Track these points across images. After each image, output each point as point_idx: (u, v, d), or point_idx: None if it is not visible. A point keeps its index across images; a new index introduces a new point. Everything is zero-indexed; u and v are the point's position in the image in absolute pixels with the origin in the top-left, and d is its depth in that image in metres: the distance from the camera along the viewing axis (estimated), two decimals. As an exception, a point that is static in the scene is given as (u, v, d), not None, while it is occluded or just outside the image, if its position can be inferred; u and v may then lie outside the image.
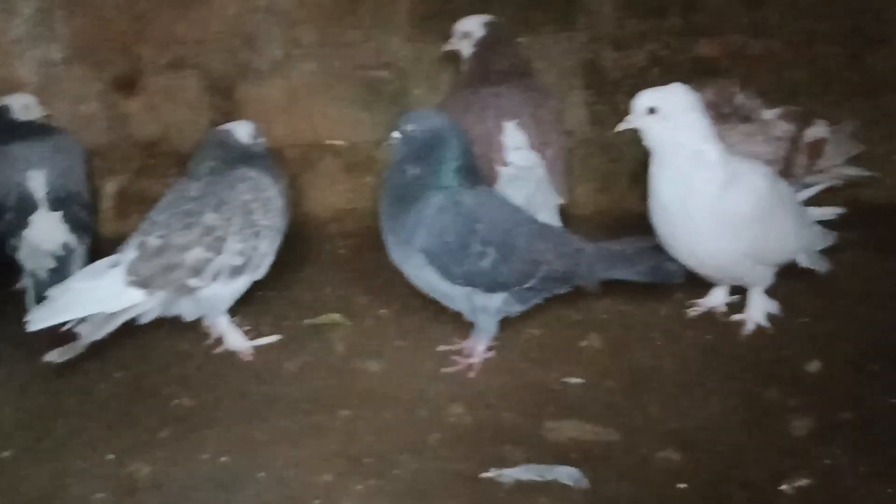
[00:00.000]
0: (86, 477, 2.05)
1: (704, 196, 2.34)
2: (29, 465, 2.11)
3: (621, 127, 2.40)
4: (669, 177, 2.36)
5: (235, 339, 2.55)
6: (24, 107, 2.94)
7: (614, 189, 3.31)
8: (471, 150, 2.43)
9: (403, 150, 2.35)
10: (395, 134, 2.36)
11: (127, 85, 3.36)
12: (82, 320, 2.33)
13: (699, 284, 2.60)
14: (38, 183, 2.80)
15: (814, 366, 2.33)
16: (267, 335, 2.61)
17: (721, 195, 2.34)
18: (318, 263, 3.06)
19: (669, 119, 2.33)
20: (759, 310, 2.53)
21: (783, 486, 1.89)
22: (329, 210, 3.35)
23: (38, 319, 2.28)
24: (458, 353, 2.44)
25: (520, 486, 1.94)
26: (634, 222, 2.78)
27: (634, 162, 3.22)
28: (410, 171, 2.34)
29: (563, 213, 2.86)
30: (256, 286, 2.59)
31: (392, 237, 2.39)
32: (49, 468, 2.09)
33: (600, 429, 2.12)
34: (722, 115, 2.71)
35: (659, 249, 2.46)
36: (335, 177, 3.43)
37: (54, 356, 2.33)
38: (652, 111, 2.33)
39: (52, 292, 2.35)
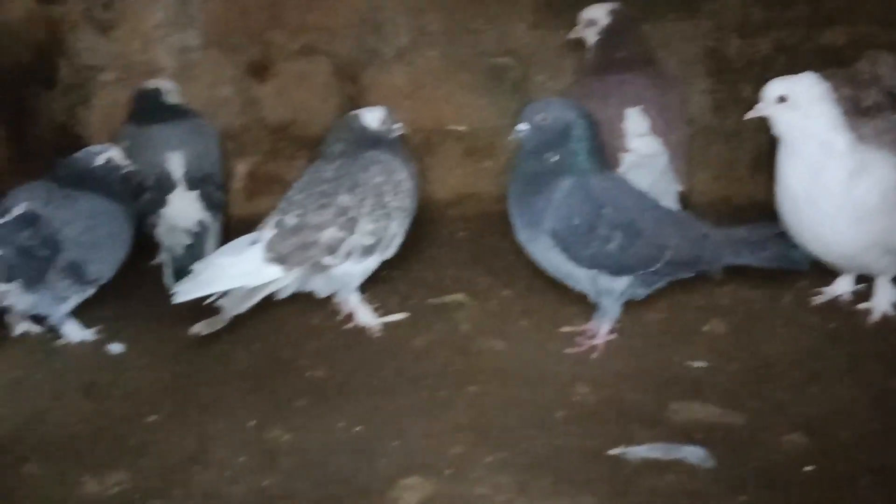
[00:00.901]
0: (228, 442, 2.11)
1: (833, 185, 2.32)
2: (175, 429, 2.18)
3: (750, 115, 2.38)
4: (798, 165, 2.34)
5: (365, 316, 2.60)
6: (172, 92, 3.03)
7: (733, 177, 3.29)
8: (599, 136, 2.44)
9: (534, 138, 2.36)
10: (523, 125, 2.35)
11: (259, 70, 3.45)
12: (224, 294, 2.39)
13: (824, 272, 2.57)
14: (176, 164, 2.90)
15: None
16: (394, 313, 2.65)
17: (849, 185, 2.31)
18: (439, 245, 3.10)
19: (800, 108, 2.31)
20: (886, 298, 2.49)
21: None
22: (449, 193, 3.39)
23: (184, 292, 2.34)
24: (582, 334, 2.45)
25: (646, 463, 1.94)
26: (753, 210, 2.78)
27: (755, 150, 3.20)
28: (544, 157, 2.35)
29: (682, 200, 2.86)
30: (381, 266, 2.62)
31: (520, 220, 2.41)
32: (193, 432, 2.15)
33: (725, 411, 2.12)
34: (859, 109, 2.66)
35: (784, 237, 2.44)
36: (456, 161, 3.46)
37: (199, 328, 2.40)
38: (782, 100, 2.32)
39: (197, 267, 2.43)
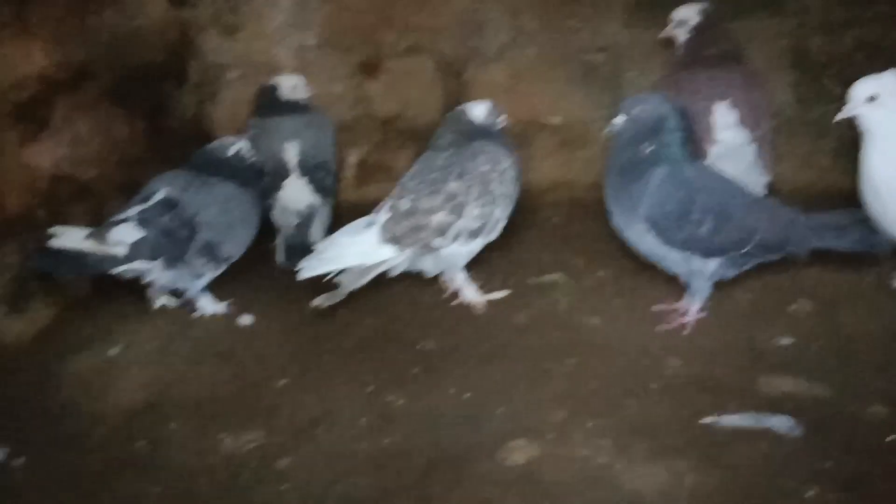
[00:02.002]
0: (350, 405, 2.18)
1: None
2: (301, 393, 2.25)
3: (841, 116, 2.36)
4: (883, 159, 2.33)
5: (470, 293, 2.64)
6: (292, 87, 3.07)
7: (816, 166, 3.27)
8: (691, 127, 2.46)
9: (630, 130, 2.38)
10: (620, 117, 2.38)
11: (370, 68, 3.50)
12: (342, 271, 2.45)
13: (904, 257, 2.55)
14: (291, 153, 2.96)
15: None
16: (497, 291, 2.68)
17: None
18: (536, 229, 3.11)
19: (888, 106, 2.30)
20: (967, 284, 2.48)
21: None
22: (545, 181, 3.40)
23: (308, 269, 2.41)
24: (673, 312, 2.47)
25: (736, 432, 1.97)
26: (835, 197, 2.76)
27: (837, 141, 3.18)
28: (640, 147, 2.37)
29: (770, 190, 2.86)
30: (485, 247, 2.65)
31: (617, 206, 2.44)
32: (317, 396, 2.23)
33: (811, 384, 2.13)
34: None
35: (866, 222, 2.43)
36: (551, 151, 3.49)
37: (320, 301, 2.48)
38: (871, 99, 2.31)
39: (319, 246, 2.50)
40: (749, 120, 2.80)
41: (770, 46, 3.24)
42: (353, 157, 3.55)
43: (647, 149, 2.37)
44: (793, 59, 3.28)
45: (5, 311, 2.45)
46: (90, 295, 2.70)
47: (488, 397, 2.17)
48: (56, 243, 2.40)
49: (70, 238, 2.41)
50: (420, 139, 3.40)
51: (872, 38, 3.17)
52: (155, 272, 2.55)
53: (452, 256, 2.58)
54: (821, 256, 2.51)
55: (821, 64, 3.25)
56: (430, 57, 3.48)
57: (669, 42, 3.03)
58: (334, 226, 2.86)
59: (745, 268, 2.46)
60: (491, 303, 2.63)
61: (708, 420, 2.01)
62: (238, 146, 2.74)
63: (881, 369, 2.18)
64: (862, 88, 2.34)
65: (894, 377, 2.15)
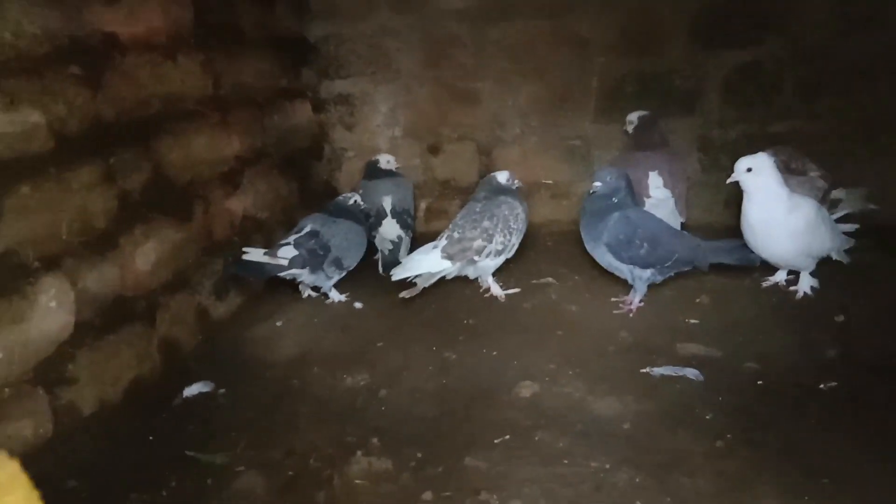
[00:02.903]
0: (422, 359, 2.20)
1: (778, 217, 2.32)
2: (391, 350, 2.27)
3: (730, 180, 2.36)
4: (756, 207, 2.35)
5: (496, 289, 2.65)
6: (387, 161, 3.10)
7: (714, 212, 3.24)
8: (632, 188, 2.47)
9: (602, 190, 2.40)
10: (598, 183, 2.40)
11: (434, 149, 3.51)
12: (418, 276, 2.49)
13: (769, 267, 2.55)
14: (388, 203, 2.97)
15: (840, 318, 2.27)
16: (512, 288, 2.68)
17: (787, 217, 2.31)
18: (536, 249, 3.09)
19: (760, 174, 2.31)
20: (806, 283, 2.47)
21: (822, 386, 1.89)
22: (542, 219, 3.39)
23: (397, 274, 2.46)
24: (623, 302, 2.48)
25: (663, 378, 1.99)
26: (725, 231, 2.76)
27: (727, 195, 3.17)
28: (608, 200, 2.39)
29: (684, 226, 2.85)
30: (505, 261, 2.67)
31: (588, 236, 2.46)
32: (402, 353, 2.25)
33: (709, 349, 2.13)
34: (789, 169, 2.64)
35: (745, 246, 2.44)
36: (546, 201, 3.46)
37: (404, 294, 2.52)
38: (749, 170, 2.31)
39: (404, 261, 2.54)
40: (670, 183, 2.81)
41: (685, 136, 3.22)
42: (423, 205, 3.55)
43: (612, 200, 2.38)
44: (699, 144, 3.26)
45: (214, 299, 2.50)
46: (264, 289, 2.74)
47: (508, 355, 2.19)
48: (246, 257, 2.47)
49: (254, 254, 2.48)
50: (464, 193, 3.46)
51: (752, 131, 3.16)
52: (303, 276, 2.59)
53: (486, 267, 2.61)
54: (716, 268, 2.52)
55: (717, 147, 3.23)
56: (472, 143, 3.48)
57: (624, 133, 3.03)
58: (413, 248, 2.90)
59: (669, 275, 2.47)
60: (508, 296, 2.63)
61: (645, 370, 2.03)
62: (354, 198, 2.79)
63: (754, 339, 2.19)
64: (743, 163, 2.34)
65: (762, 343, 2.15)
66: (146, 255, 2.16)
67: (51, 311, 1.78)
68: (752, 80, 3.12)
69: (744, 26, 3.06)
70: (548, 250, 3.12)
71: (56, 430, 1.77)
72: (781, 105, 3.13)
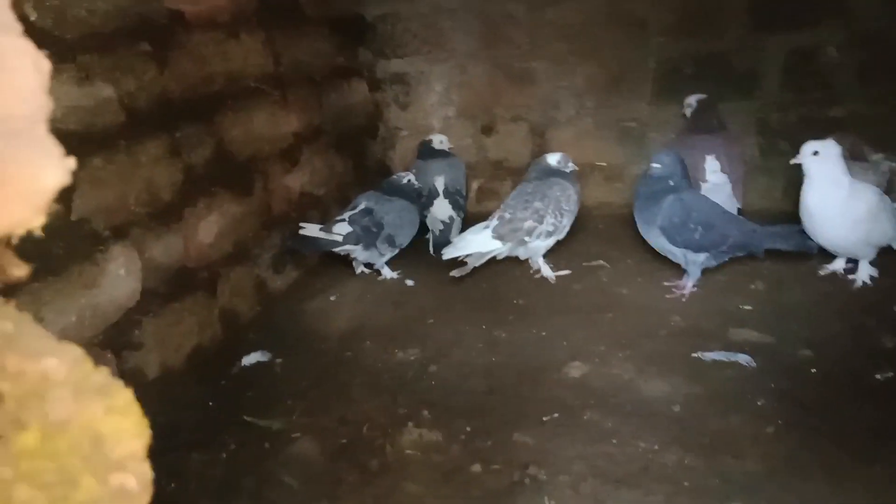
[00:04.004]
0: (471, 336, 2.22)
1: (837, 204, 2.27)
2: (442, 327, 2.30)
3: (794, 161, 2.33)
4: (816, 193, 2.30)
5: (546, 270, 2.64)
6: (440, 141, 3.11)
7: (771, 197, 3.14)
8: (687, 170, 2.44)
9: (658, 172, 2.38)
10: (657, 164, 2.38)
11: (487, 129, 3.51)
12: (469, 255, 2.51)
13: (826, 255, 2.48)
14: (440, 183, 2.98)
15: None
16: (563, 269, 2.67)
17: (847, 204, 2.26)
18: (587, 231, 3.06)
19: (826, 160, 2.26)
20: (865, 273, 2.40)
21: (878, 376, 1.84)
22: (594, 202, 3.34)
23: (448, 253, 2.48)
24: (676, 286, 2.45)
25: (714, 363, 1.97)
26: (783, 217, 2.69)
27: (785, 181, 3.09)
28: (663, 183, 2.37)
29: (741, 212, 2.79)
30: (556, 243, 2.66)
31: (641, 219, 2.44)
32: (452, 329, 2.27)
33: (762, 335, 2.10)
34: (853, 156, 2.57)
35: (803, 232, 2.39)
36: (599, 183, 3.43)
37: (455, 273, 2.54)
38: (815, 153, 2.27)
39: (455, 240, 2.56)
40: (727, 167, 2.76)
41: (743, 119, 3.14)
42: (475, 185, 3.55)
43: (668, 183, 2.36)
44: (757, 128, 3.17)
45: (272, 272, 2.57)
46: (319, 264, 2.79)
47: (557, 335, 2.19)
48: (302, 232, 2.52)
49: (310, 229, 2.53)
50: (516, 174, 3.44)
51: (811, 115, 3.06)
52: (357, 252, 2.63)
53: (536, 247, 2.60)
54: (772, 254, 2.47)
55: (776, 131, 3.14)
56: (525, 123, 3.46)
57: (681, 116, 2.98)
58: (464, 228, 2.89)
59: (723, 260, 2.43)
60: (559, 277, 2.63)
61: (696, 354, 2.01)
62: (408, 177, 2.81)
63: (809, 326, 2.14)
64: (810, 146, 2.29)
65: (816, 331, 2.11)
66: (209, 227, 2.23)
67: (119, 278, 1.86)
68: (811, 63, 3.03)
69: (803, 8, 2.96)
70: (600, 233, 3.10)
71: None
72: (841, 88, 3.02)
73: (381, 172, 3.47)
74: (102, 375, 0.46)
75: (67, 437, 0.43)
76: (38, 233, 0.49)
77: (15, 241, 0.49)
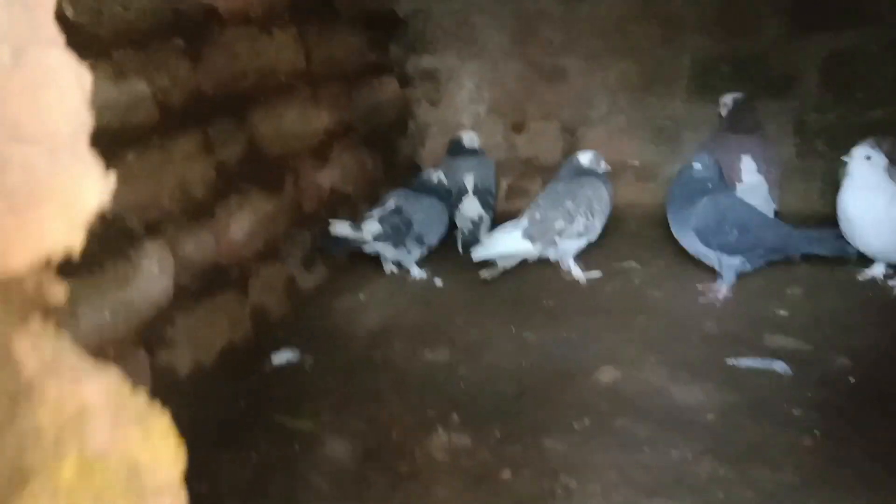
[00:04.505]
0: (500, 338, 2.19)
1: (878, 208, 2.23)
2: (470, 328, 2.27)
3: (845, 159, 2.30)
4: (856, 196, 2.26)
5: (577, 272, 2.60)
6: (470, 139, 3.07)
7: (808, 200, 3.07)
8: (722, 172, 2.40)
9: (697, 172, 2.33)
10: (698, 164, 2.34)
11: (518, 127, 3.47)
12: (499, 257, 2.50)
13: (865, 259, 2.42)
14: (469, 181, 2.94)
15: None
16: (594, 271, 2.63)
17: (888, 208, 2.21)
18: (620, 232, 3.00)
19: (874, 166, 2.22)
20: (907, 279, 2.35)
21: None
22: (625, 201, 3.23)
23: (477, 254, 2.48)
24: (709, 289, 2.40)
25: (749, 370, 1.94)
26: (820, 220, 2.66)
27: (822, 183, 3.04)
28: (700, 184, 2.33)
29: (777, 214, 2.74)
30: (588, 244, 2.63)
31: (675, 221, 2.41)
32: (481, 330, 2.24)
33: (799, 342, 2.06)
34: (892, 159, 2.49)
35: (841, 236, 2.34)
36: (631, 182, 3.37)
37: (485, 274, 2.53)
38: (868, 158, 2.22)
39: (484, 239, 2.54)
40: (764, 168, 2.71)
41: (780, 120, 3.07)
42: (505, 183, 3.50)
43: (707, 185, 2.31)
44: (794, 129, 3.10)
45: (302, 269, 2.56)
46: (349, 262, 2.75)
47: (587, 338, 2.16)
48: (332, 230, 2.51)
49: (340, 228, 2.51)
50: (546, 173, 3.37)
51: (850, 117, 2.99)
52: (387, 250, 2.61)
53: (567, 248, 2.58)
54: (809, 258, 2.43)
55: (814, 132, 3.07)
56: (557, 121, 3.41)
57: (717, 115, 2.93)
58: (493, 227, 2.89)
59: (759, 264, 2.38)
60: (589, 279, 2.60)
61: (731, 361, 1.98)
62: (437, 175, 2.78)
63: (847, 334, 2.10)
64: (862, 149, 2.25)
65: (854, 339, 2.06)
66: (240, 224, 2.24)
67: (153, 275, 1.87)
68: (850, 65, 2.96)
69: (843, 10, 2.90)
70: (632, 234, 3.05)
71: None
72: (881, 91, 2.95)
73: (410, 169, 3.44)
74: (140, 401, 0.45)
75: (106, 467, 0.42)
76: (76, 254, 0.48)
77: (54, 262, 0.48)
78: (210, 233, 2.10)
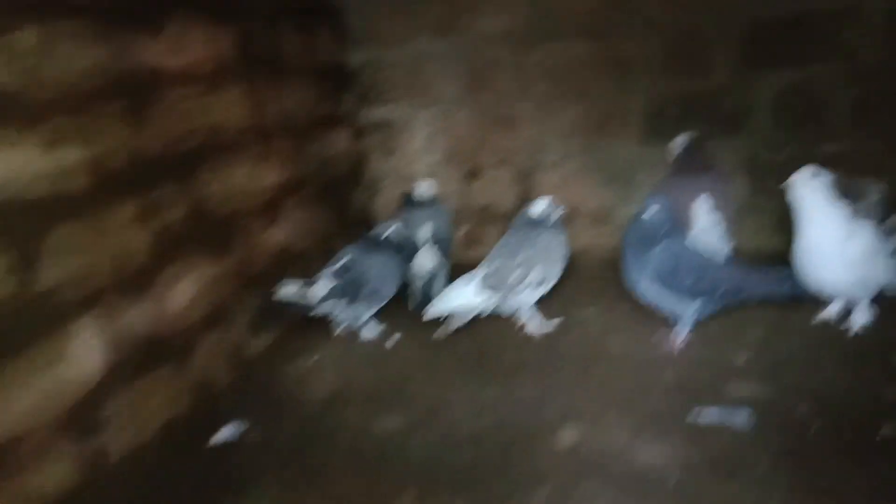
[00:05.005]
0: (457, 398, 2.12)
1: (833, 243, 2.19)
2: (425, 390, 2.19)
3: (786, 182, 2.26)
4: (810, 230, 2.22)
5: (534, 323, 2.54)
6: (426, 189, 3.01)
7: (761, 236, 3.09)
8: (676, 217, 2.37)
9: (649, 218, 2.30)
10: (650, 210, 2.30)
11: (472, 175, 3.45)
12: (452, 313, 2.42)
13: (822, 300, 2.40)
14: (424, 232, 2.87)
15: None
16: (551, 321, 2.57)
17: (845, 243, 2.18)
18: (575, 278, 2.95)
19: (817, 192, 2.20)
20: (861, 318, 2.32)
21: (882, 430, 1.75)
22: (581, 246, 3.25)
23: (431, 312, 2.40)
24: (667, 337, 2.36)
25: (712, 420, 1.88)
26: (773, 256, 2.62)
27: (775, 220, 3.04)
28: (653, 230, 2.28)
29: (732, 251, 2.71)
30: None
31: (630, 269, 2.35)
32: (436, 392, 2.16)
33: (763, 387, 2.02)
34: (843, 192, 2.48)
35: (797, 277, 2.30)
36: (586, 227, 3.36)
37: (439, 333, 2.45)
38: (806, 184, 2.20)
39: (438, 296, 2.46)
40: (719, 206, 2.69)
41: (732, 157, 3.09)
42: (461, 232, 3.47)
43: (660, 230, 2.27)
44: (747, 166, 3.11)
45: (249, 334, 2.47)
46: (299, 323, 2.65)
47: (547, 395, 2.10)
48: (281, 293, 2.42)
49: (288, 291, 2.43)
50: (502, 220, 3.39)
51: (803, 152, 2.99)
52: (339, 310, 2.53)
53: (524, 300, 2.52)
54: (765, 300, 2.38)
55: (766, 169, 3.08)
56: (511, 167, 3.40)
57: (669, 156, 2.92)
58: (449, 278, 2.84)
59: (715, 309, 2.33)
60: (547, 330, 2.54)
61: (694, 412, 1.92)
62: (392, 229, 2.71)
63: (808, 378, 2.06)
64: (805, 171, 2.23)
65: (816, 383, 2.02)
66: (183, 291, 2.14)
67: (87, 351, 1.76)
68: (802, 100, 2.98)
69: (794, 45, 2.93)
70: (588, 279, 3.01)
71: (86, 475, 1.73)
72: (834, 125, 2.98)
73: (364, 221, 3.40)
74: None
75: None
76: None
77: None
78: (150, 303, 2.00)
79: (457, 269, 2.75)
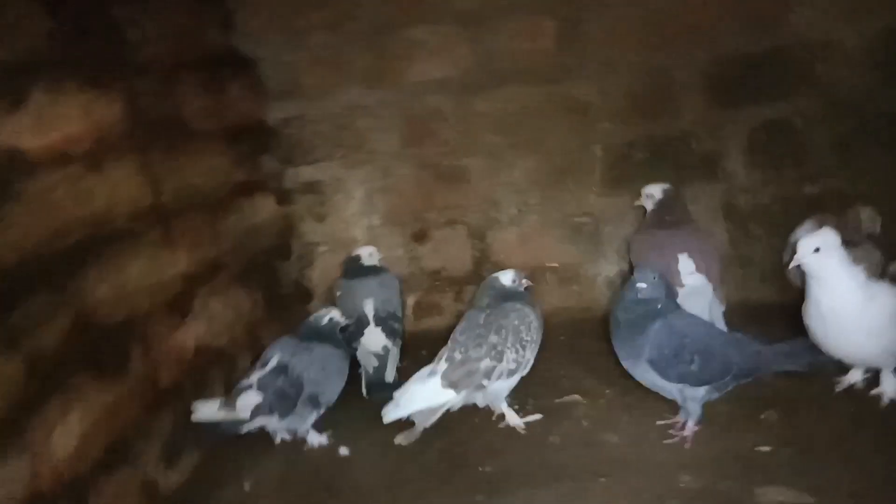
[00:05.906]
0: None
1: (853, 307, 1.93)
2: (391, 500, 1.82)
3: (793, 264, 1.98)
4: (827, 295, 1.95)
5: (512, 418, 2.21)
6: (368, 255, 2.73)
7: (748, 288, 2.85)
8: (671, 288, 2.06)
9: (642, 292, 2.00)
10: (642, 284, 2.01)
11: (420, 237, 3.13)
12: (415, 414, 2.07)
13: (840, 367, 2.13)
14: (369, 308, 2.56)
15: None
16: (531, 413, 2.24)
17: (864, 309, 1.91)
18: (550, 349, 2.54)
19: (828, 254, 1.92)
20: (891, 385, 2.05)
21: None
22: (550, 308, 2.90)
23: (389, 415, 2.06)
24: (674, 426, 2.04)
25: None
26: (761, 309, 2.49)
27: (759, 269, 2.82)
28: (647, 305, 2.00)
29: (725, 315, 2.40)
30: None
31: (624, 352, 2.05)
32: None
33: (797, 493, 1.69)
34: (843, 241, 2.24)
35: (813, 346, 2.02)
36: (553, 287, 3.06)
37: (401, 440, 2.10)
38: (817, 250, 1.91)
39: (396, 395, 2.10)
40: (703, 266, 2.40)
41: (708, 204, 2.86)
42: (411, 300, 3.11)
43: (656, 306, 1.98)
44: (724, 213, 2.89)
45: (163, 466, 2.02)
46: (228, 440, 2.21)
47: (541, 518, 1.73)
48: (196, 417, 2.01)
49: (206, 411, 2.02)
50: (456, 285, 3.09)
51: (784, 194, 2.79)
52: (272, 423, 2.14)
53: (497, 390, 2.18)
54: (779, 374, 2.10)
55: (746, 214, 2.86)
56: (462, 226, 3.09)
57: (640, 208, 2.66)
58: (402, 353, 2.55)
59: (727, 390, 2.03)
60: (529, 424, 2.19)
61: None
62: (329, 315, 2.34)
63: (843, 469, 1.76)
64: (808, 243, 1.94)
65: (854, 476, 1.73)
66: (69, 431, 1.69)
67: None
68: (779, 139, 2.78)
69: (767, 81, 2.74)
70: (565, 350, 2.69)
71: None
72: (815, 163, 2.78)
73: (299, 298, 3.02)
74: None
75: None
76: None
77: None
78: (21, 458, 1.54)
79: (413, 342, 2.47)
